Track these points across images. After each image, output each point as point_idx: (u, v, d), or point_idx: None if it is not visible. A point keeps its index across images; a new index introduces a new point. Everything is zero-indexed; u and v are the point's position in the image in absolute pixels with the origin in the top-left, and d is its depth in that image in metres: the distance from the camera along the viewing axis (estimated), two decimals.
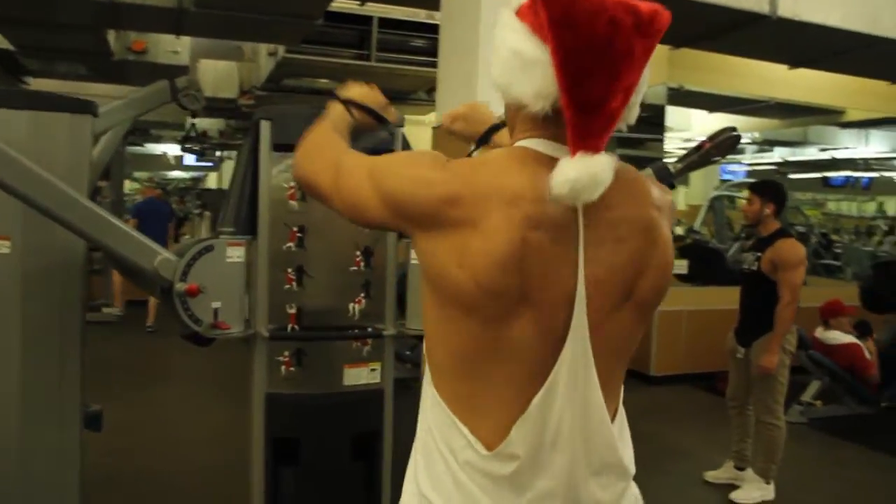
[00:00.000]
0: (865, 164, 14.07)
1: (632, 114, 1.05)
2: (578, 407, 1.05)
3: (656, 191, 1.13)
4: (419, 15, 6.15)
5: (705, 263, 7.44)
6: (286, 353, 2.34)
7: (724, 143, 2.30)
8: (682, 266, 6.66)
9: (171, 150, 15.91)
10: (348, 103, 1.46)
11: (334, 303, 2.41)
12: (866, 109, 8.25)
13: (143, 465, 4.00)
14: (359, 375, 2.44)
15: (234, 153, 11.70)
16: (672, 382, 6.12)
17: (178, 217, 9.72)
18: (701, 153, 2.32)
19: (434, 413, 1.08)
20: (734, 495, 3.91)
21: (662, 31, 0.99)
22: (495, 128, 1.47)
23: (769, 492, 3.90)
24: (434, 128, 1.48)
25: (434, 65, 5.95)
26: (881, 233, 12.72)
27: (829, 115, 9.22)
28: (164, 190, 12.34)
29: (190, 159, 15.94)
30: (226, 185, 6.80)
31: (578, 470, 1.06)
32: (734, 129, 2.33)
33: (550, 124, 1.05)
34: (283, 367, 2.34)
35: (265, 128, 2.30)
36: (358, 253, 2.41)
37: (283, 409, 2.35)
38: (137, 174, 15.75)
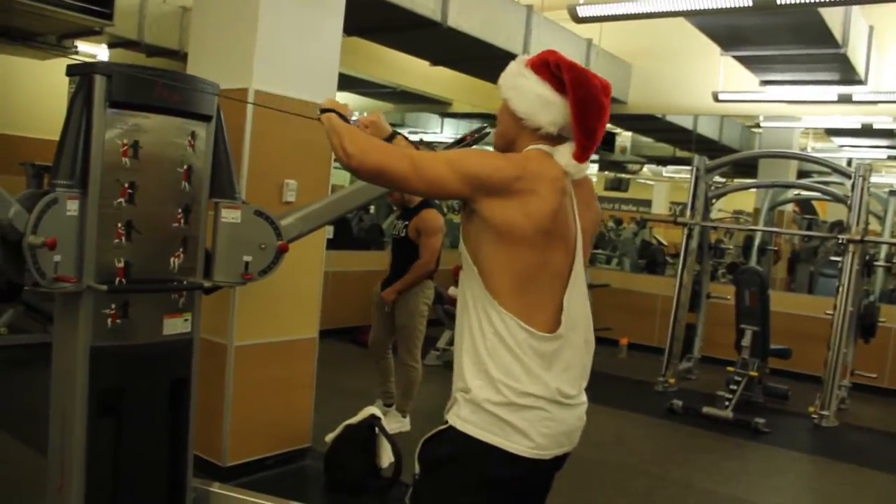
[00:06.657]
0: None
1: None
2: (581, 299, 1.65)
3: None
4: None
5: (344, 230, 8.28)
6: (113, 306, 2.39)
7: (481, 137, 2.99)
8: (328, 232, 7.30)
9: None
10: (338, 115, 1.80)
11: (157, 257, 2.51)
12: (469, 104, 9.81)
13: None
14: (175, 325, 2.58)
15: None
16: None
17: None
18: (463, 144, 2.96)
19: (500, 321, 1.55)
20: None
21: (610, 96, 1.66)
22: (393, 136, 2.01)
23: (405, 424, 4.59)
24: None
25: (75, 9, 5.59)
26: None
27: (438, 105, 10.67)
28: None
29: None
30: None
31: (582, 343, 1.65)
32: (486, 126, 3.03)
33: (550, 138, 1.66)
34: (109, 320, 2.39)
35: (100, 83, 2.31)
36: (179, 210, 2.55)
37: (108, 361, 2.40)
38: None
